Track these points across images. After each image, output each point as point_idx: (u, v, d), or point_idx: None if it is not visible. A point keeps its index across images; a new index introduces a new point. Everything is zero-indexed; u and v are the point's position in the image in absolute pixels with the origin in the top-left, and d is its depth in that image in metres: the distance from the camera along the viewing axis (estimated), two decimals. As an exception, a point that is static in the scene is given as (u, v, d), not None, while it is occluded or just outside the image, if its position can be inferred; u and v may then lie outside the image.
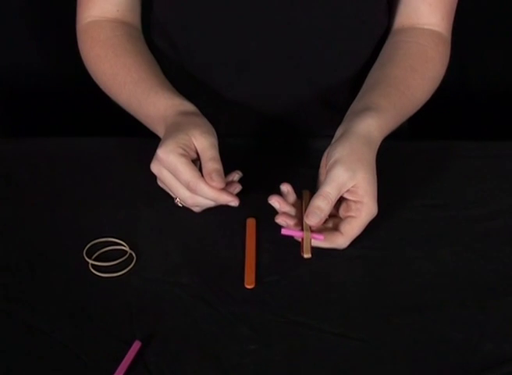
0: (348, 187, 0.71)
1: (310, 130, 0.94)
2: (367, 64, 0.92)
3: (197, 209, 0.76)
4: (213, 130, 0.76)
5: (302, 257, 0.70)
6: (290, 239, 0.72)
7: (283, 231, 0.71)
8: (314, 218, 0.70)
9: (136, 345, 0.62)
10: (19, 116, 1.24)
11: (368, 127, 0.75)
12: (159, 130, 0.80)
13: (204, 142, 0.73)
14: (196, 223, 0.76)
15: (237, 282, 0.70)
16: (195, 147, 0.74)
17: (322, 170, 0.75)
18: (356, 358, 0.63)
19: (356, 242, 0.73)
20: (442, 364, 0.63)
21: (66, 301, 0.68)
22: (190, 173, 0.71)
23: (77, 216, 0.78)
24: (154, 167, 0.74)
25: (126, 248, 0.73)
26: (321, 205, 0.70)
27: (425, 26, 0.90)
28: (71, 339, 0.64)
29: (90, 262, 0.71)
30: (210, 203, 0.74)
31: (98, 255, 0.72)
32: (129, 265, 0.71)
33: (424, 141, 0.92)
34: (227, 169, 0.74)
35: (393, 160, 0.84)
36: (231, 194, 0.73)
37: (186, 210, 0.77)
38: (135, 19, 0.94)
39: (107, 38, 0.89)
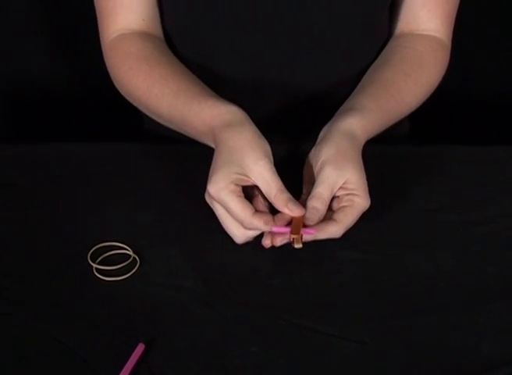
0: (339, 185, 0.72)
1: (309, 132, 0.94)
2: (365, 70, 0.92)
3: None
4: (267, 145, 0.73)
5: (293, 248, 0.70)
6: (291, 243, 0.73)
7: (274, 229, 0.71)
8: (312, 218, 0.71)
9: (140, 348, 0.63)
10: (21, 122, 1.24)
11: (350, 125, 0.76)
12: (210, 143, 0.77)
13: (262, 173, 0.70)
14: (199, 227, 0.77)
15: (239, 285, 0.71)
16: (251, 177, 0.71)
17: (306, 171, 0.77)
18: (356, 360, 0.63)
19: (356, 245, 0.74)
20: (441, 367, 0.63)
21: (70, 305, 0.68)
22: (242, 213, 0.69)
23: (81, 220, 0.78)
24: (207, 199, 0.73)
25: (130, 252, 0.73)
26: (316, 206, 0.71)
27: (424, 32, 0.91)
28: (75, 342, 0.64)
29: (94, 265, 0.72)
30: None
31: (102, 259, 0.73)
32: (133, 269, 0.72)
33: (424, 145, 0.92)
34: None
35: (393, 164, 0.85)
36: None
37: (189, 213, 0.78)
38: (159, 29, 0.91)
39: (138, 50, 0.86)
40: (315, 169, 0.75)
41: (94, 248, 0.73)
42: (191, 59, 0.93)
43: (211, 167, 0.72)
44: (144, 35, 0.89)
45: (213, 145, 0.76)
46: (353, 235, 0.75)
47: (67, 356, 0.63)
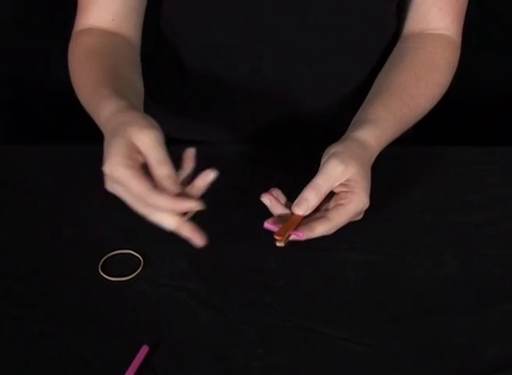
0: (340, 180, 0.71)
1: (312, 138, 0.94)
2: (372, 72, 0.92)
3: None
4: (153, 121, 0.69)
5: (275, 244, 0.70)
6: (296, 244, 0.73)
7: (266, 225, 0.71)
8: (300, 208, 0.71)
9: (144, 350, 0.63)
10: (24, 123, 1.24)
11: (363, 135, 0.76)
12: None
13: (145, 140, 0.66)
14: (203, 228, 0.77)
15: (244, 287, 0.70)
16: (138, 146, 0.66)
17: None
18: (360, 362, 0.63)
19: (359, 247, 0.74)
20: (446, 368, 0.63)
21: (74, 306, 0.68)
22: (139, 187, 0.64)
23: (85, 221, 0.78)
24: (108, 186, 0.68)
25: (134, 253, 0.73)
26: (308, 197, 0.71)
27: (435, 31, 0.90)
28: (79, 343, 0.64)
29: (99, 266, 0.72)
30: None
31: (106, 259, 0.73)
32: (137, 270, 0.72)
33: (428, 147, 0.92)
34: (228, 176, 0.72)
35: (397, 166, 0.84)
36: (191, 198, 0.67)
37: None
38: (131, 30, 0.90)
39: (91, 43, 0.86)
40: (321, 163, 0.74)
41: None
42: (196, 66, 0.94)
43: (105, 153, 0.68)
44: (107, 33, 0.88)
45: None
46: (357, 237, 0.76)
47: (70, 358, 0.63)
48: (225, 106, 0.96)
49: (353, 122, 0.80)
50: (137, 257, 0.73)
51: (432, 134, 1.01)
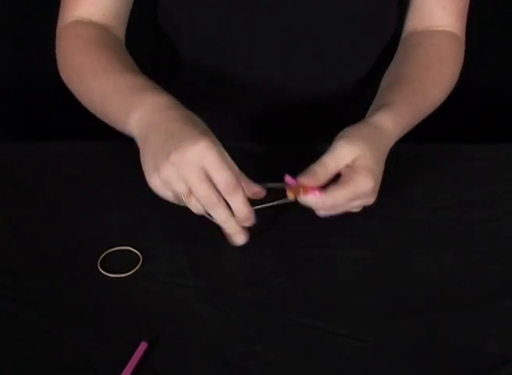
0: (347, 160, 0.70)
1: (311, 134, 0.94)
2: (371, 70, 0.92)
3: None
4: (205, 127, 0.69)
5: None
6: (296, 242, 0.73)
7: (287, 178, 0.70)
8: (306, 177, 0.69)
9: (143, 347, 0.63)
10: (23, 120, 1.24)
11: (378, 118, 0.75)
12: (131, 116, 0.71)
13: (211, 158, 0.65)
14: (202, 226, 0.77)
15: (243, 284, 0.70)
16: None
17: None
18: (360, 359, 0.63)
19: (358, 244, 0.75)
20: (446, 365, 0.63)
21: (73, 302, 0.68)
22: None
23: (84, 218, 0.78)
24: (164, 178, 0.66)
25: (133, 250, 0.73)
26: (316, 170, 0.69)
27: (440, 28, 0.90)
28: (77, 340, 0.64)
29: (97, 263, 0.72)
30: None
31: (105, 255, 0.73)
32: (136, 266, 0.71)
33: (428, 144, 0.92)
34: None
35: (398, 162, 0.84)
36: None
37: (190, 214, 0.77)
38: (119, 28, 0.89)
39: (90, 35, 0.85)
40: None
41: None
42: (196, 59, 0.93)
43: (159, 145, 0.67)
44: (99, 26, 0.87)
45: (134, 118, 0.71)
46: (357, 234, 0.76)
47: (69, 355, 0.63)
48: (224, 102, 0.96)
49: (368, 112, 0.79)
50: (136, 254, 0.73)
51: (431, 131, 1.01)
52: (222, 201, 0.66)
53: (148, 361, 0.62)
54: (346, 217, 0.74)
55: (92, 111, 0.81)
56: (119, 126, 0.75)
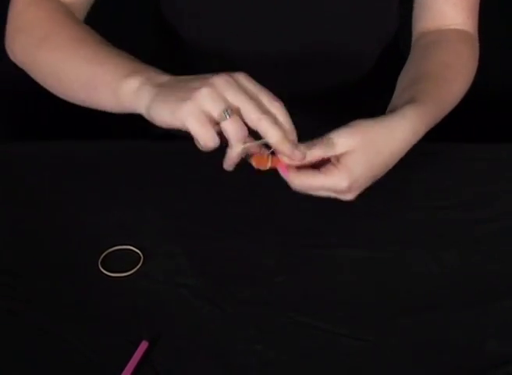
0: (335, 151, 0.68)
1: (311, 132, 0.94)
2: (371, 70, 0.92)
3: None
4: None
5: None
6: (296, 241, 0.73)
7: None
8: (287, 149, 0.66)
9: (144, 345, 0.63)
10: (24, 119, 1.24)
11: (402, 110, 0.72)
12: (125, 85, 0.69)
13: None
14: (202, 225, 0.77)
15: (243, 283, 0.70)
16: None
17: None
18: (360, 358, 0.63)
19: (358, 244, 0.74)
20: (445, 364, 0.63)
21: (74, 302, 0.68)
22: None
23: (85, 217, 0.78)
24: (219, 85, 0.63)
25: (134, 249, 0.73)
26: (301, 148, 0.67)
27: (452, 27, 0.89)
28: (78, 339, 0.64)
29: (98, 262, 0.72)
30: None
31: (106, 255, 0.73)
32: (137, 265, 0.72)
33: (428, 143, 0.92)
34: (228, 172, 0.71)
35: (397, 162, 0.84)
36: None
37: (193, 211, 0.77)
38: (80, 11, 0.85)
39: (59, 6, 0.81)
40: None
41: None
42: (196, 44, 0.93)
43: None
44: (56, 2, 0.82)
45: (132, 84, 0.69)
46: (357, 233, 0.76)
47: (70, 353, 0.63)
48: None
49: (389, 107, 0.77)
50: (137, 253, 0.73)
51: (432, 131, 1.01)
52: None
53: (149, 360, 0.62)
54: (346, 217, 0.74)
55: (69, 81, 0.78)
56: (104, 89, 0.73)
